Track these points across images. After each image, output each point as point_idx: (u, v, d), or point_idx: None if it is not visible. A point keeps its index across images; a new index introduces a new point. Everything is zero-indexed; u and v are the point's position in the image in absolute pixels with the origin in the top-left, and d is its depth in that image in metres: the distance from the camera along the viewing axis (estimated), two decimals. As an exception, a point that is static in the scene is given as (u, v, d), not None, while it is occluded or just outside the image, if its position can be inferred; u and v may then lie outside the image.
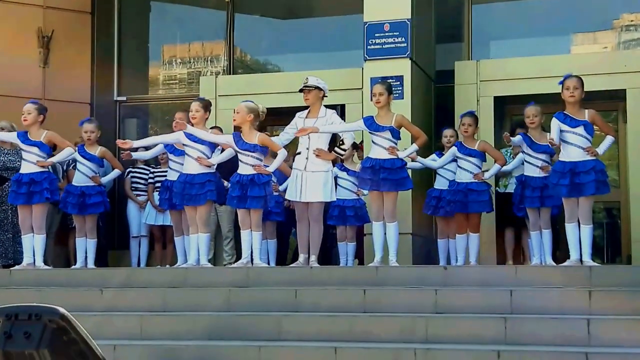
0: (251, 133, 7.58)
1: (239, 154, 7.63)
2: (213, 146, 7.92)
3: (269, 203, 7.64)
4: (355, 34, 9.98)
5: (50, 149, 8.26)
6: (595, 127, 7.20)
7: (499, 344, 5.33)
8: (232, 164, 8.00)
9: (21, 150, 8.17)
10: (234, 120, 7.68)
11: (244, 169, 7.57)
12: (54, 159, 8.29)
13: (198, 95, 9.67)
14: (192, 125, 7.84)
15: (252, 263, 7.59)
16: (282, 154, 7.66)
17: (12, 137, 8.30)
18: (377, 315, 5.92)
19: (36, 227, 8.00)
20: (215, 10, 11.93)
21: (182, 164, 8.06)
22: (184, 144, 7.86)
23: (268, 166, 7.72)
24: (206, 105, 8.03)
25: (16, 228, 9.18)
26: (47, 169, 8.12)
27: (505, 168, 8.44)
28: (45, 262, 9.49)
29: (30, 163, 8.01)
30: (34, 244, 8.02)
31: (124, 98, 12.03)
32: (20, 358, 3.48)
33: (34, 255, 8.02)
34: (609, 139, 7.30)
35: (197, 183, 7.70)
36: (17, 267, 8.17)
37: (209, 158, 7.79)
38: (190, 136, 7.80)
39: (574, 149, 7.07)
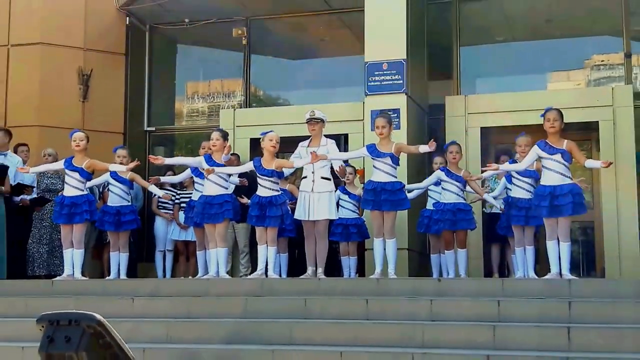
0: (272, 160, 7.61)
1: (258, 178, 7.65)
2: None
3: (285, 221, 7.63)
4: (357, 72, 9.99)
5: (90, 174, 8.23)
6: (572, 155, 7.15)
7: (488, 349, 5.27)
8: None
9: (65, 174, 8.14)
10: (274, 147, 7.61)
11: (262, 192, 7.58)
12: (96, 181, 8.48)
13: (218, 126, 9.66)
14: (212, 152, 7.92)
15: (267, 275, 7.55)
16: (297, 163, 7.79)
17: (59, 166, 8.31)
18: (379, 323, 5.85)
19: (76, 243, 7.98)
20: (234, 51, 11.96)
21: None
22: (204, 168, 7.86)
23: (284, 189, 7.91)
24: (225, 135, 8.08)
25: (53, 243, 9.18)
26: (86, 192, 8.10)
27: (492, 194, 8.49)
28: (83, 274, 9.47)
29: (72, 187, 7.99)
30: (73, 257, 7.98)
31: (153, 128, 12.06)
32: (61, 359, 3.43)
33: (73, 268, 7.98)
34: (598, 163, 7.34)
35: (216, 203, 7.70)
36: (57, 278, 8.12)
37: (226, 180, 7.84)
38: (210, 161, 7.83)
39: (553, 174, 7.01)
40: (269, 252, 7.58)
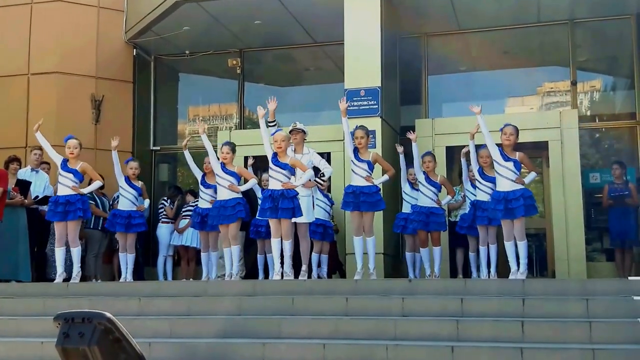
0: (285, 156, 7.29)
1: (271, 171, 7.25)
2: (238, 177, 7.87)
3: (296, 214, 7.18)
4: (338, 98, 9.91)
5: (83, 176, 8.01)
6: (523, 166, 7.25)
7: (452, 341, 5.30)
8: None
9: (59, 174, 7.85)
10: (279, 147, 7.20)
11: (274, 184, 7.20)
12: (85, 190, 7.93)
13: (215, 146, 9.64)
14: (225, 163, 7.75)
15: (283, 270, 7.22)
16: (309, 173, 7.38)
17: (57, 158, 7.91)
18: (357, 318, 5.86)
19: (71, 241, 7.71)
20: (229, 79, 12.01)
21: (210, 195, 8.15)
22: (217, 174, 7.82)
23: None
24: (233, 148, 8.02)
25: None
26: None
27: (459, 212, 8.55)
28: (95, 277, 9.41)
29: (66, 187, 7.73)
30: (72, 255, 7.73)
31: (158, 147, 12.06)
32: (75, 353, 3.43)
33: (64, 266, 7.74)
34: (533, 174, 7.32)
35: (229, 206, 7.66)
36: (56, 281, 7.80)
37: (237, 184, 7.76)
38: (223, 168, 7.77)
39: (506, 181, 7.12)
40: (284, 246, 7.14)
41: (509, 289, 6.30)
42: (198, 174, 8.38)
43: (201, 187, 8.41)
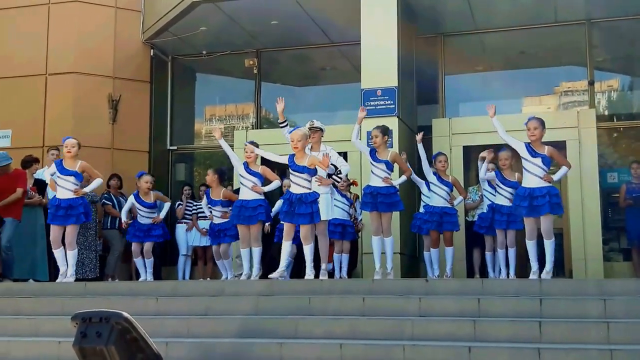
0: (303, 156, 7.02)
1: (291, 174, 7.07)
2: (262, 178, 7.76)
3: (315, 219, 6.99)
4: (354, 97, 10.00)
5: (83, 177, 7.82)
6: (553, 160, 7.13)
7: (469, 341, 5.26)
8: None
9: (57, 177, 7.62)
10: (296, 147, 6.95)
11: (294, 188, 7.03)
12: (86, 189, 7.76)
13: (233, 146, 9.65)
14: (248, 163, 7.71)
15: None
16: (329, 170, 7.20)
17: (51, 169, 7.71)
18: (374, 318, 5.82)
19: (69, 244, 7.53)
20: (246, 79, 12.02)
21: (218, 210, 8.19)
22: (240, 175, 7.74)
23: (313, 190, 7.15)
24: (257, 147, 7.91)
25: (97, 248, 9.19)
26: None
27: (477, 211, 8.58)
28: (112, 277, 9.46)
29: (67, 190, 7.52)
30: (67, 258, 7.55)
31: (175, 147, 12.10)
32: (92, 353, 3.43)
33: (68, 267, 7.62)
34: (564, 169, 7.18)
35: (250, 207, 7.58)
36: (58, 279, 7.69)
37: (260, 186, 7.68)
38: (247, 168, 7.70)
39: (533, 177, 6.94)
40: (304, 250, 7.05)
41: (527, 289, 6.24)
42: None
43: (209, 205, 8.38)
